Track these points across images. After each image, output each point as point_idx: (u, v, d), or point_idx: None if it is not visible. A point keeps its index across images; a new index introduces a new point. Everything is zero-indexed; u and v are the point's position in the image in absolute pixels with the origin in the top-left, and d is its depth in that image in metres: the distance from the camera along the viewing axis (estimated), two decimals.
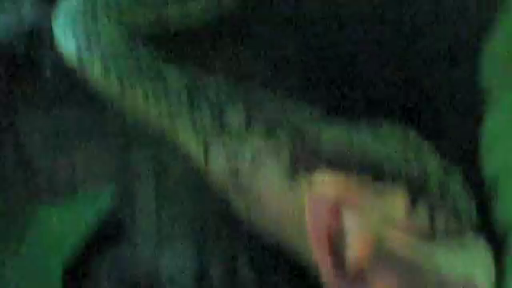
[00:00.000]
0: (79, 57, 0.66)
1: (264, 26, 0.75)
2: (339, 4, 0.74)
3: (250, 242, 0.66)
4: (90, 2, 0.68)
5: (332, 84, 0.72)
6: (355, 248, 0.56)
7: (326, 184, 0.57)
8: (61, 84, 0.73)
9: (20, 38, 0.74)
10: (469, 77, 0.67)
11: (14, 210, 0.69)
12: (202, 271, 0.66)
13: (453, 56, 0.72)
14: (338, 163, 0.57)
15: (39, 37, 0.74)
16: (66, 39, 0.67)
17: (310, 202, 0.57)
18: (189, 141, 0.63)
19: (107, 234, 0.68)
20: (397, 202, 0.56)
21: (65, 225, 0.67)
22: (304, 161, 0.58)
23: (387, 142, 0.58)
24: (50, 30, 0.68)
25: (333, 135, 0.59)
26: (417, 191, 0.56)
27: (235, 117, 0.62)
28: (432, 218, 0.56)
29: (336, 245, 0.56)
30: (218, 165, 0.62)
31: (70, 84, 0.72)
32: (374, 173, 0.57)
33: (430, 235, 0.56)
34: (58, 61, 0.68)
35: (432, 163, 0.58)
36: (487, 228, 0.59)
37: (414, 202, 0.56)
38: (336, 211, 0.56)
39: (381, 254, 0.56)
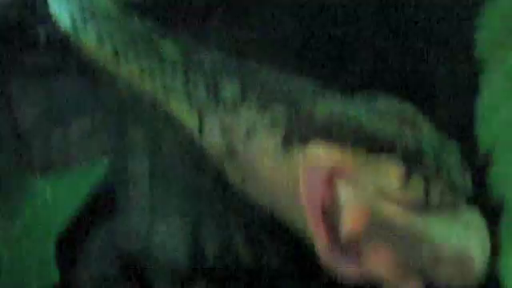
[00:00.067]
0: (74, 28, 0.66)
1: (259, 4, 0.74)
2: None
3: (246, 218, 0.66)
4: None
5: (327, 58, 0.72)
6: (349, 219, 0.55)
7: (320, 156, 0.57)
8: (55, 53, 0.73)
9: (14, 7, 0.74)
10: (464, 49, 0.67)
11: (7, 182, 0.69)
12: (196, 248, 0.66)
13: (448, 28, 0.72)
14: (333, 135, 0.57)
15: (33, 5, 0.74)
16: (61, 11, 0.67)
17: (305, 173, 0.57)
18: (184, 114, 0.63)
19: (101, 208, 0.68)
20: (391, 174, 0.56)
21: (58, 198, 0.67)
22: (298, 133, 0.58)
23: (382, 114, 0.58)
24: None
25: (327, 108, 0.58)
26: (412, 163, 0.56)
27: (230, 90, 0.62)
28: (427, 191, 0.56)
29: (330, 216, 0.56)
30: (212, 137, 0.62)
31: (65, 53, 0.72)
32: (369, 145, 0.56)
33: (425, 207, 0.56)
34: (53, 30, 0.68)
35: (427, 135, 0.58)
36: (482, 200, 0.59)
37: (408, 174, 0.56)
38: (330, 183, 0.56)
39: (375, 226, 0.56)
